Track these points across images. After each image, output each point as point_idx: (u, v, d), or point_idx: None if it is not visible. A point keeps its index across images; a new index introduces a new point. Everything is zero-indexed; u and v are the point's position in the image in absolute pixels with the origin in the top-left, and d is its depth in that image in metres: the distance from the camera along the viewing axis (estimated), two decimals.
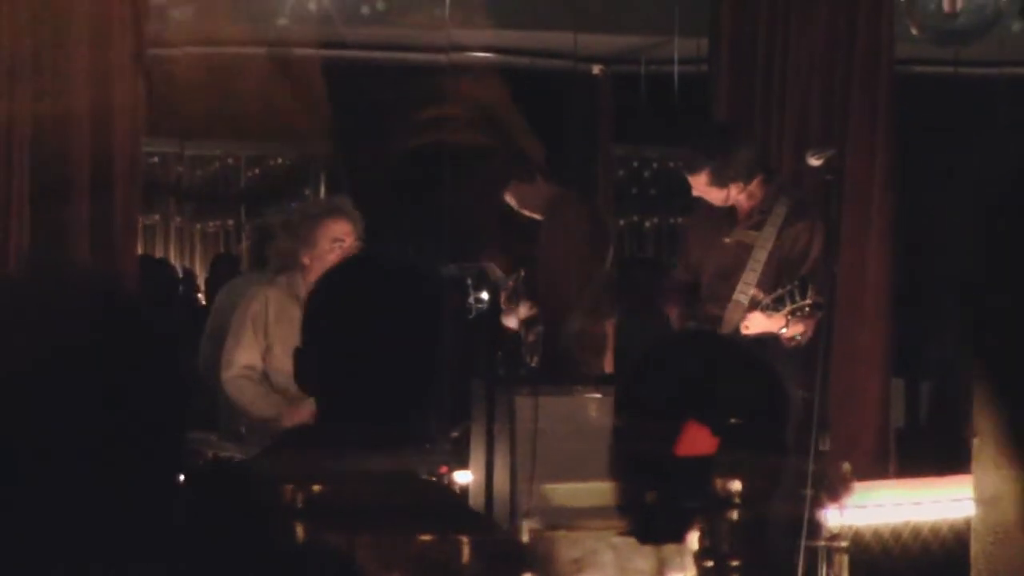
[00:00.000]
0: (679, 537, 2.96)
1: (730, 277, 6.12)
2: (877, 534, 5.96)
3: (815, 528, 5.11)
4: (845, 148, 6.76)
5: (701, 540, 2.84)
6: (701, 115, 7.23)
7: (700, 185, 6.08)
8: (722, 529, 2.75)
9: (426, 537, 2.25)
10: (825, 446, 5.19)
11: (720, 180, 6.04)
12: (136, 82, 6.02)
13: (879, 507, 6.00)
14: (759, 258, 6.07)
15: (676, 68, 8.07)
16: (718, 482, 2.77)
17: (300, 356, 2.39)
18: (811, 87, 7.02)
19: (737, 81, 7.05)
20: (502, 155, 8.09)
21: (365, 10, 7.36)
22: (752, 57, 7.04)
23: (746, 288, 6.06)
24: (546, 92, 8.83)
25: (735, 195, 6.10)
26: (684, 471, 2.64)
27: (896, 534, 5.97)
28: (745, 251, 6.13)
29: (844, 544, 5.21)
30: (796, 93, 7.01)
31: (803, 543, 5.21)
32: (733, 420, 2.61)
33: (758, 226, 6.13)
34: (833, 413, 5.64)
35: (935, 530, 5.95)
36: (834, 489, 5.05)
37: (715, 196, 6.12)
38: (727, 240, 6.18)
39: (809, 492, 5.19)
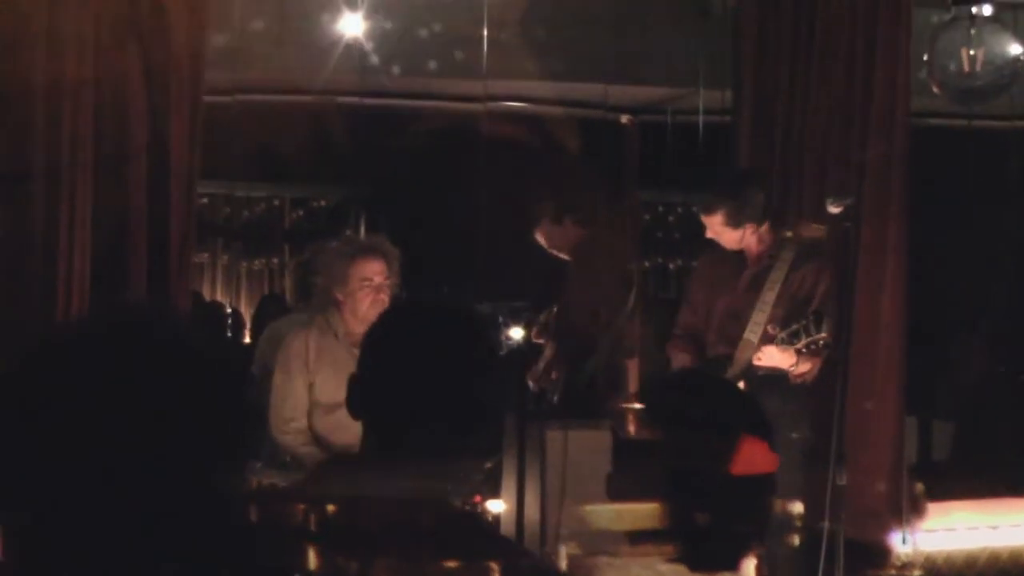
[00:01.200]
0: (734, 564, 2.64)
1: (740, 317, 6.17)
2: (950, 560, 5.60)
3: (835, 560, 5.12)
4: (862, 196, 6.80)
5: (759, 569, 2.59)
6: (724, 163, 7.28)
7: (715, 225, 6.16)
8: (782, 556, 2.58)
9: (453, 563, 2.20)
10: (842, 480, 5.22)
11: (735, 221, 6.11)
12: (192, 128, 6.05)
13: (952, 531, 5.65)
14: (768, 299, 6.11)
15: (701, 118, 8.11)
16: (777, 504, 2.57)
17: (354, 384, 2.43)
18: (830, 137, 7.05)
19: (759, 131, 7.09)
20: (534, 198, 8.15)
21: (407, 62, 7.44)
22: (773, 108, 7.07)
23: (756, 328, 6.10)
24: (578, 140, 8.87)
25: (748, 237, 6.16)
26: (739, 491, 2.42)
27: (971, 560, 5.60)
28: (755, 293, 6.17)
29: (916, 572, 5.02)
30: (815, 143, 7.04)
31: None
32: (796, 435, 2.45)
33: (767, 269, 6.19)
34: (848, 449, 5.65)
35: (1015, 557, 5.63)
36: (905, 512, 4.81)
37: (729, 237, 6.18)
38: (740, 282, 6.24)
39: (827, 525, 5.23)
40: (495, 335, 6.02)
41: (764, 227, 6.18)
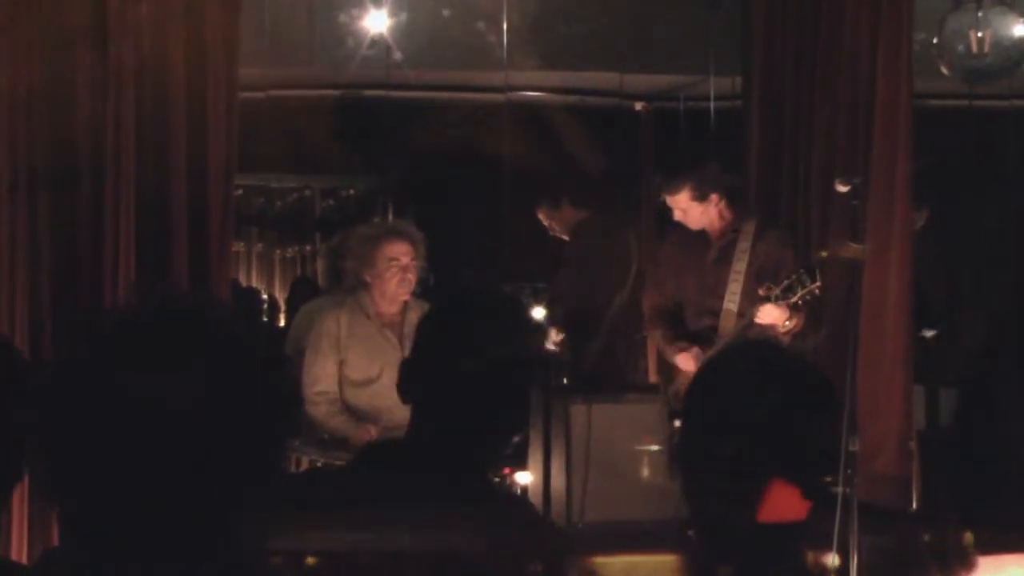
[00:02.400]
0: None
1: (713, 291, 6.34)
2: None
3: (849, 521, 5.15)
4: (869, 175, 6.83)
5: None
6: (734, 147, 7.32)
7: (682, 203, 6.35)
8: None
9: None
10: (854, 447, 5.26)
11: (700, 193, 6.29)
12: (229, 124, 6.10)
13: None
14: (739, 269, 6.28)
15: (712, 104, 8.15)
16: (809, 556, 2.24)
17: (406, 366, 2.46)
18: (836, 120, 7.09)
19: (768, 115, 7.11)
20: (539, 182, 8.21)
21: (430, 55, 7.50)
22: (781, 93, 7.09)
23: (733, 297, 6.26)
24: (594, 127, 8.92)
25: (712, 211, 6.31)
26: (768, 541, 2.14)
27: None
28: (724, 266, 6.32)
29: None
30: (823, 126, 7.08)
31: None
32: (828, 479, 2.05)
33: (732, 243, 6.37)
34: (860, 418, 5.69)
35: None
36: (953, 565, 4.48)
37: (696, 213, 6.36)
38: (707, 259, 6.38)
39: (841, 490, 5.27)
40: (538, 324, 6.07)
41: (723, 203, 6.32)
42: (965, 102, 8.17)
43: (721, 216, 6.39)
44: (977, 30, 6.56)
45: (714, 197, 6.35)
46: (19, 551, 5.84)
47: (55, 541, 5.92)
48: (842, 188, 5.67)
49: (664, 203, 6.57)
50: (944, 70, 6.73)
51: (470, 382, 2.38)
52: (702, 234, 6.45)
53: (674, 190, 6.38)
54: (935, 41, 6.75)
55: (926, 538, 4.31)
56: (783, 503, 2.06)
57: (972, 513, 6.26)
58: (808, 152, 7.07)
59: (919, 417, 7.45)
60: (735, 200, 6.45)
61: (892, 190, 7.05)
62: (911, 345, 7.15)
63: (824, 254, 6.35)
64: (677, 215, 6.42)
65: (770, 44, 7.11)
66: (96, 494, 1.59)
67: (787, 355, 2.60)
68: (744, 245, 6.32)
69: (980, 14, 6.58)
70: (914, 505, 7.00)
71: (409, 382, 2.44)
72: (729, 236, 6.40)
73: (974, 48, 6.59)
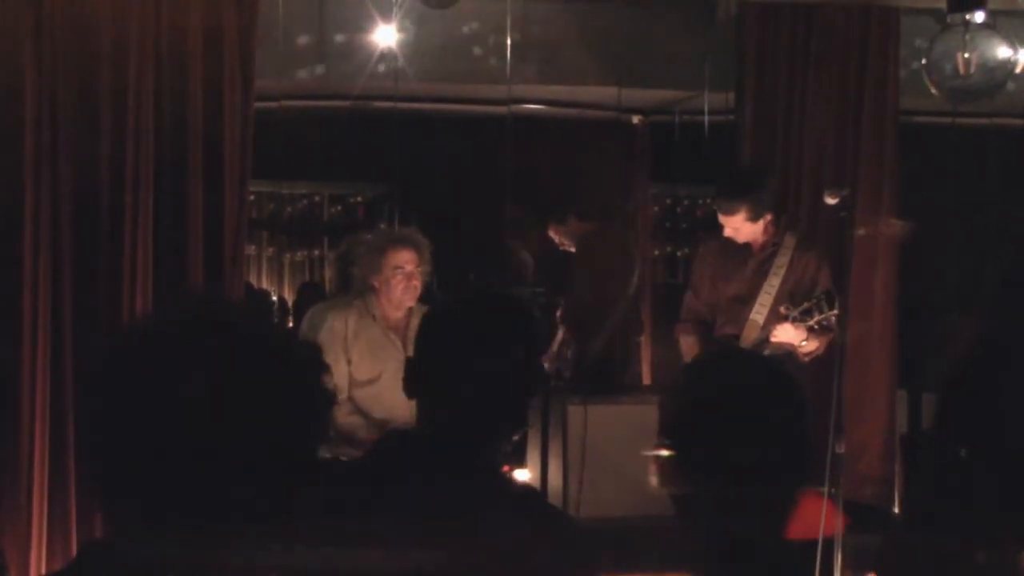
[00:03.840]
0: None
1: (747, 301, 6.21)
2: None
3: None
4: (856, 188, 6.86)
5: None
6: (727, 159, 7.33)
7: (737, 222, 6.16)
8: None
9: None
10: (841, 449, 5.27)
11: (756, 214, 6.14)
12: (243, 132, 6.15)
13: None
14: (774, 284, 6.15)
15: (706, 118, 8.17)
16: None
17: (411, 364, 2.46)
18: (826, 135, 7.12)
19: (760, 130, 7.15)
20: (546, 199, 8.24)
21: (437, 69, 7.52)
22: (773, 109, 7.13)
23: (762, 309, 6.14)
24: (593, 139, 8.94)
25: (762, 224, 6.21)
26: (798, 560, 1.95)
27: None
28: (761, 278, 6.22)
29: None
30: (813, 140, 7.11)
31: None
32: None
33: (772, 256, 6.23)
34: (846, 420, 5.70)
35: None
36: None
37: (748, 231, 6.18)
38: (746, 270, 6.29)
39: (827, 489, 5.28)
40: (536, 322, 6.06)
41: (771, 218, 6.24)
42: (949, 120, 8.19)
43: (766, 231, 6.24)
44: (964, 52, 6.58)
45: (767, 216, 6.21)
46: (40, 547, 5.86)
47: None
48: (831, 200, 5.67)
49: (716, 215, 6.35)
50: (932, 90, 6.75)
51: (472, 381, 2.36)
52: (742, 244, 6.29)
53: (731, 211, 6.17)
54: (923, 62, 6.78)
55: (981, 558, 3.97)
56: (816, 517, 1.70)
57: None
58: (798, 165, 7.10)
59: (901, 421, 7.48)
60: (780, 215, 6.32)
61: (879, 202, 7.09)
62: (895, 349, 7.18)
63: (863, 231, 6.29)
64: (728, 232, 6.23)
65: (762, 61, 7.14)
66: (142, 491, 1.59)
67: (759, 362, 2.51)
68: (782, 260, 6.19)
69: (967, 36, 6.60)
70: (896, 507, 7.02)
71: (412, 380, 2.44)
72: (769, 249, 6.25)
73: (961, 69, 6.61)
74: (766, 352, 5.88)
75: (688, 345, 6.44)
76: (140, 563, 1.57)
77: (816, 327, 5.82)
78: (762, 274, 6.20)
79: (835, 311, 5.74)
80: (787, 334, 5.91)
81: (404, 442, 2.44)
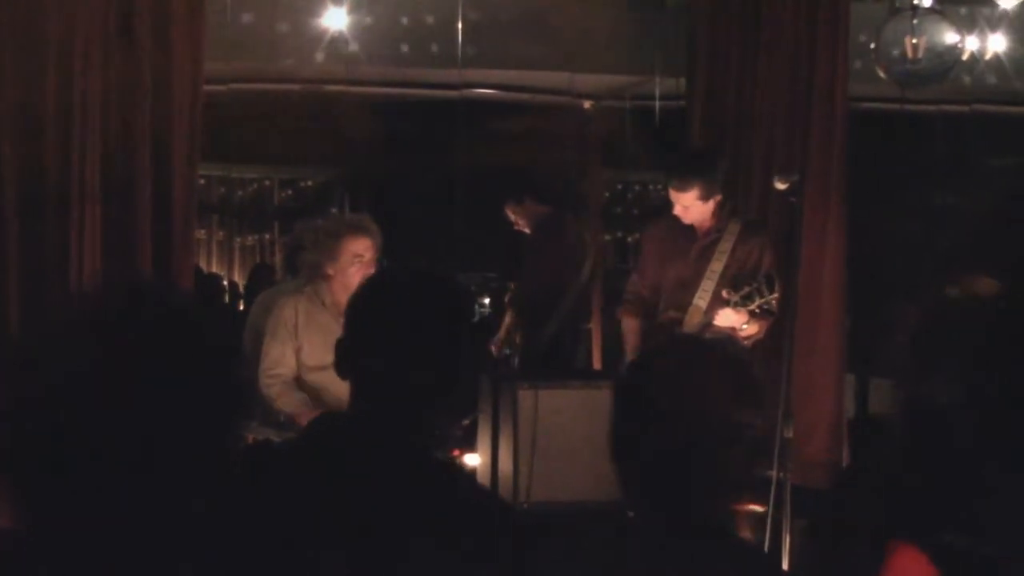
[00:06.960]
0: None
1: (689, 286, 6.18)
2: None
3: (783, 505, 5.15)
4: (806, 173, 6.85)
5: None
6: (678, 145, 7.31)
7: (688, 200, 6.12)
8: None
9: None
10: (789, 433, 5.27)
11: (708, 193, 6.12)
12: (192, 117, 6.09)
13: None
14: (716, 269, 6.13)
15: (657, 104, 8.16)
16: None
17: (340, 345, 2.41)
18: (776, 121, 7.12)
19: (710, 116, 7.14)
20: (501, 180, 8.20)
21: (388, 53, 7.46)
22: (724, 95, 7.12)
23: (704, 294, 6.12)
24: (545, 124, 8.91)
25: (711, 206, 6.19)
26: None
27: None
28: (704, 263, 6.20)
29: None
30: (763, 126, 7.11)
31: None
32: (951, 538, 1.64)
33: (716, 241, 6.20)
34: (794, 404, 5.70)
35: None
36: None
37: (697, 211, 6.16)
38: (690, 253, 6.28)
39: (775, 474, 5.29)
40: (469, 302, 6.01)
41: (719, 199, 6.21)
42: (898, 105, 8.22)
43: (714, 214, 6.21)
44: (912, 36, 6.59)
45: (717, 197, 6.18)
46: None
47: None
48: (780, 185, 5.66)
49: (666, 194, 6.31)
50: (881, 74, 6.76)
51: (395, 360, 2.30)
52: (687, 227, 6.26)
53: (683, 187, 6.13)
54: (872, 47, 6.78)
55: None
56: (909, 569, 1.76)
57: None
58: (748, 150, 7.10)
59: (849, 406, 7.51)
60: (726, 200, 6.29)
61: (828, 187, 7.10)
62: (843, 334, 7.20)
63: (956, 292, 6.23)
64: (678, 210, 6.18)
65: (713, 47, 7.13)
66: (49, 476, 1.58)
67: (712, 349, 2.50)
68: (725, 246, 6.16)
69: (915, 21, 6.61)
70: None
71: (342, 360, 2.39)
72: (714, 235, 6.22)
73: (909, 54, 6.62)
74: (707, 336, 5.88)
75: (630, 328, 6.42)
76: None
77: (757, 311, 5.81)
78: (705, 259, 6.18)
79: (775, 295, 5.74)
80: (728, 319, 5.91)
81: (334, 425, 2.39)
